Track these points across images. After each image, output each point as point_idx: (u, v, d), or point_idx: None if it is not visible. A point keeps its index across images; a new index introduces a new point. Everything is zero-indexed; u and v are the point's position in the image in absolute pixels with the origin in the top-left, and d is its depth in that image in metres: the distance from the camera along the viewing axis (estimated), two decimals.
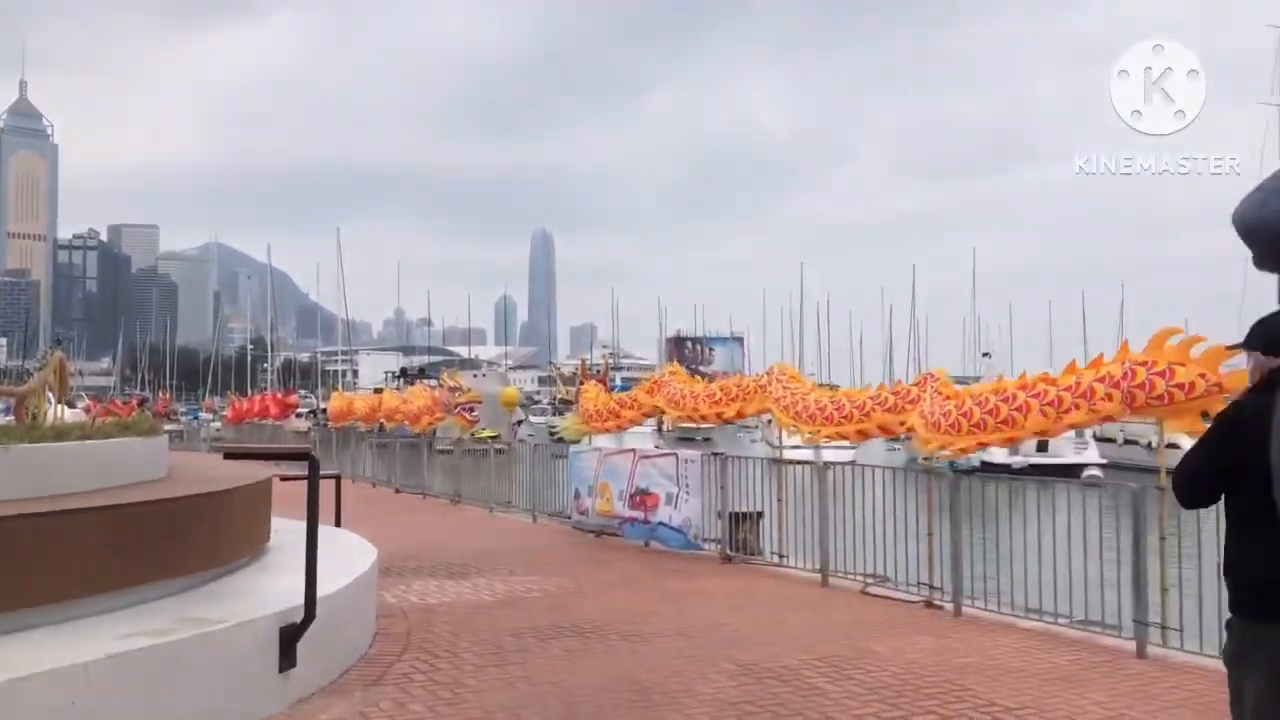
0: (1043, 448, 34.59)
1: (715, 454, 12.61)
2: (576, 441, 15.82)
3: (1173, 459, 4.04)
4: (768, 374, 12.07)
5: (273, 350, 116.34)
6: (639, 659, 7.43)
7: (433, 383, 26.22)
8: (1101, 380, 7.90)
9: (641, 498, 13.50)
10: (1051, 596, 8.60)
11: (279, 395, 37.24)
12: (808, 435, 11.34)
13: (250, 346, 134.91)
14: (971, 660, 7.41)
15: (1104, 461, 37.51)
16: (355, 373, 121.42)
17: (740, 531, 12.42)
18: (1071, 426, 8.37)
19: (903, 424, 9.83)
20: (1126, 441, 40.80)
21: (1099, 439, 38.55)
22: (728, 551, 12.22)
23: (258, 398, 39.40)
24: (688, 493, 12.73)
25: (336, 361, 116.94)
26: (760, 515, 12.51)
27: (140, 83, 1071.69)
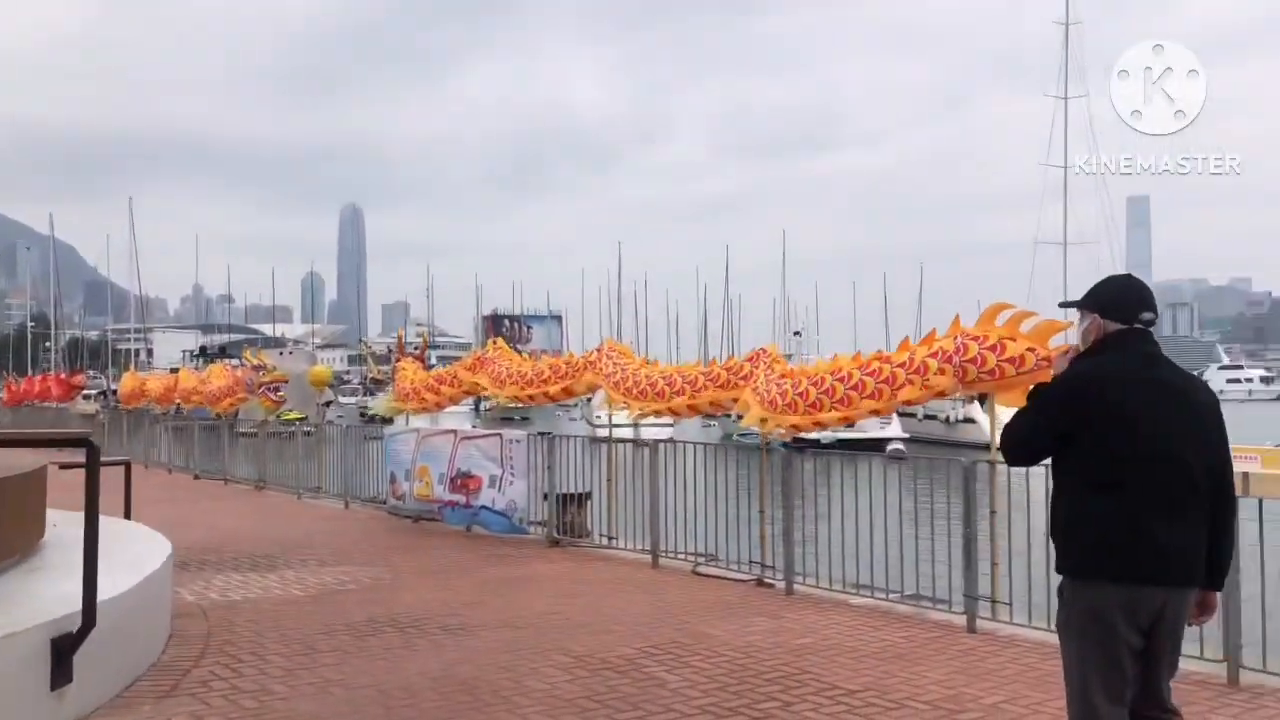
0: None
1: (542, 434, 12.15)
2: (389, 421, 15.05)
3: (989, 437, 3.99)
4: (598, 350, 11.67)
5: (57, 328, 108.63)
6: (465, 654, 6.94)
7: (235, 362, 24.58)
8: (934, 356, 7.89)
9: (463, 481, 12.93)
10: (883, 572, 8.58)
11: (63, 376, 34.32)
12: (637, 412, 11.05)
13: (31, 324, 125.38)
14: (807, 641, 7.26)
15: (906, 436, 39.07)
16: (150, 352, 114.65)
17: (567, 514, 12.04)
18: (906, 403, 8.34)
19: (735, 400, 9.64)
20: (927, 416, 42.67)
21: (901, 414, 40.14)
22: (555, 535, 11.82)
23: (38, 378, 36.30)
24: (512, 475, 12.25)
25: (129, 340, 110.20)
26: (588, 496, 12.16)
27: None
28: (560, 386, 11.74)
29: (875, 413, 8.44)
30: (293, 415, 22.31)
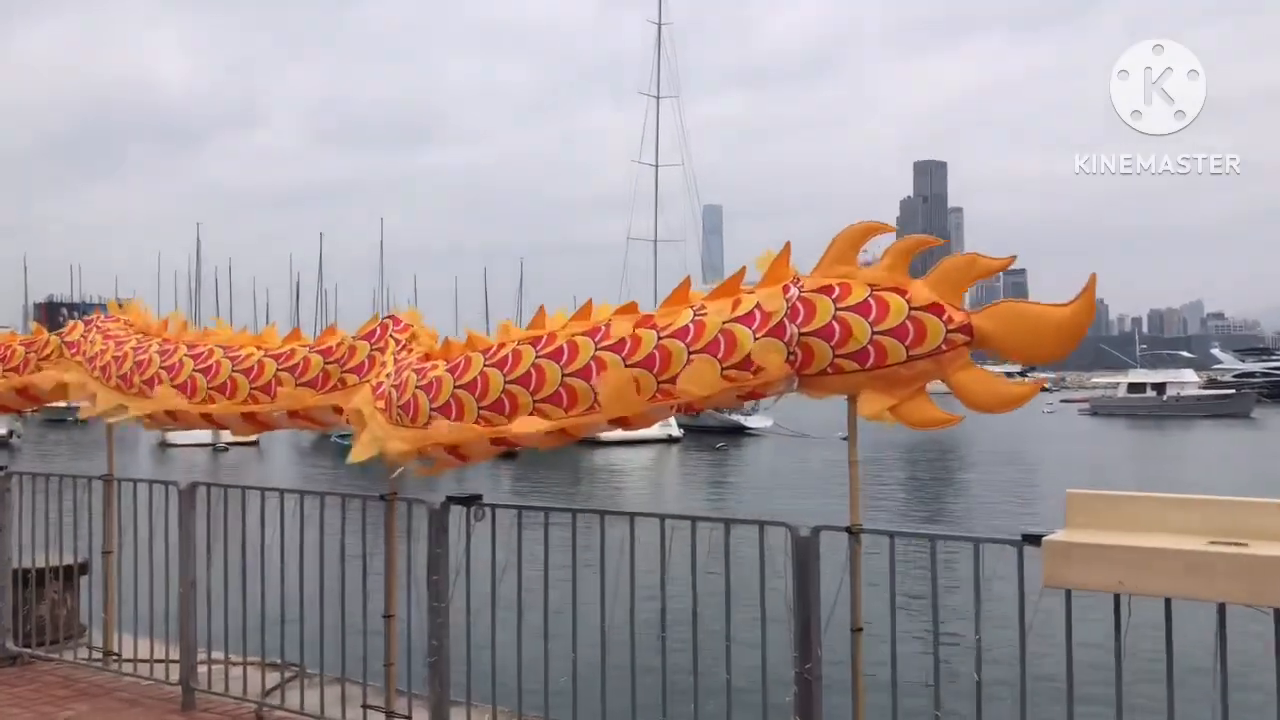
0: None
1: None
2: None
3: None
4: (86, 321, 6.56)
5: None
6: None
7: None
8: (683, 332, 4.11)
9: None
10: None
11: None
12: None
13: None
14: None
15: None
16: None
17: (38, 604, 7.03)
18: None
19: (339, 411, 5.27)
20: None
21: None
22: (9, 645, 6.80)
23: None
24: None
25: None
26: (84, 570, 7.20)
27: None
28: (14, 381, 6.47)
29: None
30: None
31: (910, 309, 3.82)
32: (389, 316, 5.37)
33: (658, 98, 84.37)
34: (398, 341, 5.21)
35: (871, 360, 3.83)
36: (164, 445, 45.70)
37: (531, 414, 4.23)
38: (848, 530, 4.00)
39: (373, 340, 5.29)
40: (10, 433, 50.11)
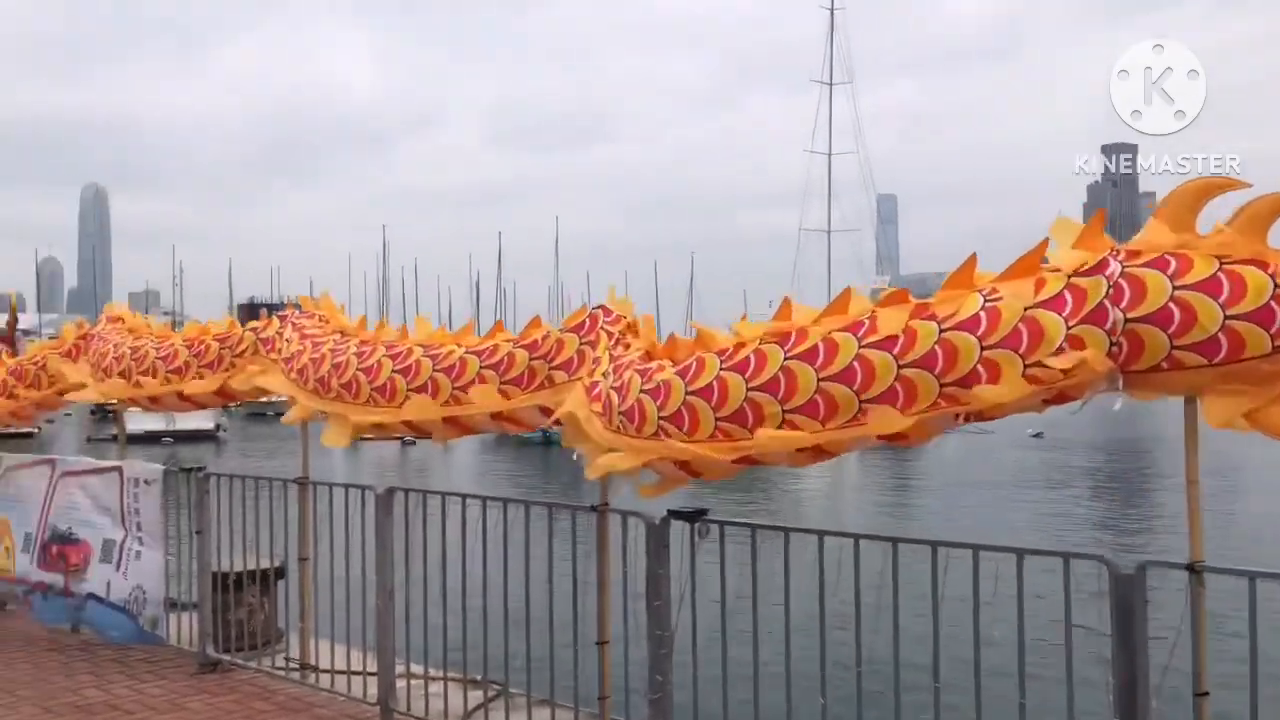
0: None
1: (191, 470, 6.82)
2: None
3: None
4: (279, 316, 6.24)
5: None
6: None
7: None
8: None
9: (60, 549, 7.46)
10: None
11: None
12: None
13: None
14: None
15: None
16: None
17: (237, 608, 6.84)
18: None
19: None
20: None
21: None
22: (210, 652, 6.62)
23: None
24: (139, 539, 6.92)
25: None
26: (280, 575, 6.98)
27: None
28: (207, 383, 6.28)
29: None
30: None
31: (1276, 286, 2.98)
32: (599, 307, 4.81)
33: (830, 84, 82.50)
34: (610, 335, 4.64)
35: (1223, 352, 3.01)
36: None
37: (781, 426, 3.56)
38: (1188, 568, 3.18)
39: (582, 333, 4.74)
40: (217, 426, 52.50)
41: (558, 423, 4.59)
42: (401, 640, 5.69)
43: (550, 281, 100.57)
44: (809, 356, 3.54)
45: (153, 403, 6.69)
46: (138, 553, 6.92)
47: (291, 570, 6.69)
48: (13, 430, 9.04)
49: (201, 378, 6.23)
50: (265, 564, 6.90)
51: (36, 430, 43.15)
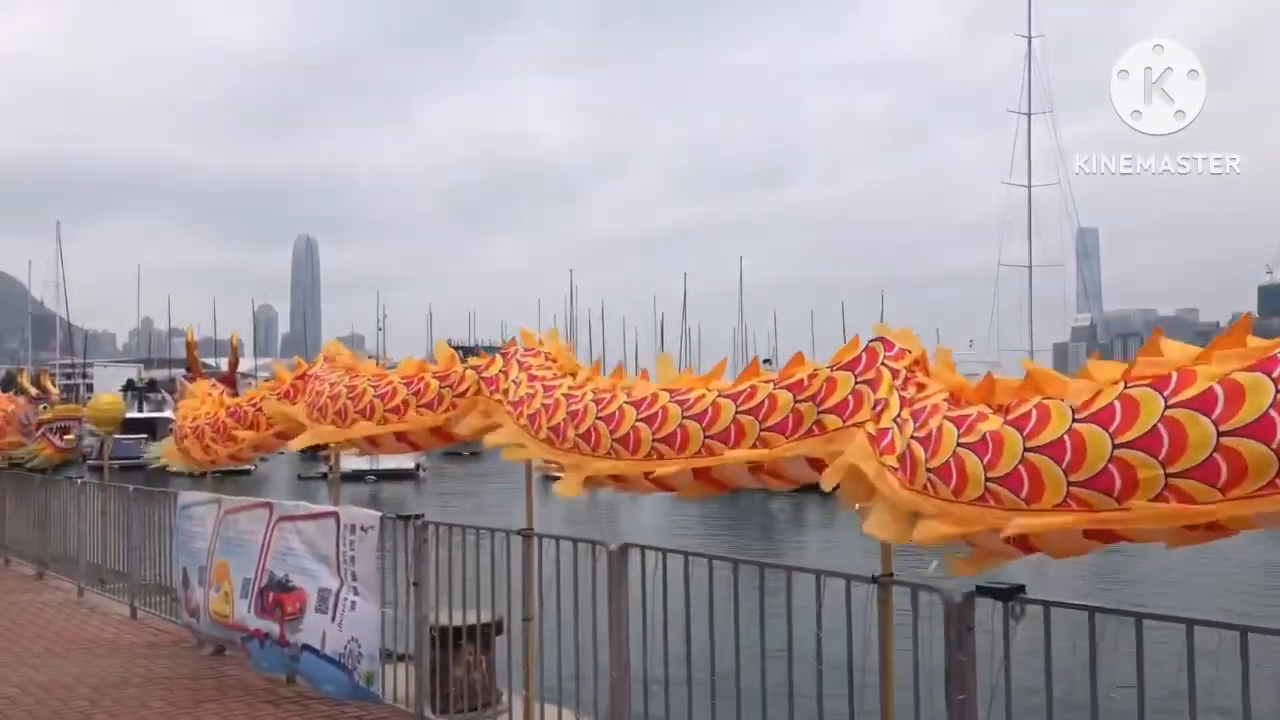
0: None
1: (407, 517, 6.44)
2: (192, 475, 9.23)
3: None
4: (501, 354, 5.77)
5: None
6: None
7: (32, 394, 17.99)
8: None
9: (276, 597, 7.24)
10: None
11: None
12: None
13: None
14: None
15: None
16: (89, 386, 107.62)
17: (456, 663, 6.40)
18: None
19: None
20: None
21: None
22: (428, 714, 6.18)
23: None
24: (355, 590, 6.59)
25: (74, 375, 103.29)
26: (498, 630, 6.51)
27: None
28: (429, 419, 5.78)
29: None
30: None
31: None
32: (877, 339, 4.09)
33: (1029, 114, 79.03)
34: (894, 373, 3.92)
35: None
36: (549, 478, 47.36)
37: (1162, 494, 2.74)
38: None
39: (857, 371, 4.04)
40: (417, 465, 53.68)
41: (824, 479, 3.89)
42: (639, 711, 5.08)
43: (735, 323, 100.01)
44: (1202, 404, 2.72)
45: (370, 444, 6.33)
46: (353, 603, 6.59)
47: (513, 628, 6.20)
48: (230, 467, 8.95)
49: (421, 416, 5.81)
50: (484, 618, 6.46)
51: (253, 468, 45.28)
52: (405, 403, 5.87)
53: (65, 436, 12.55)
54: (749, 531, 29.53)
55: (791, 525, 32.39)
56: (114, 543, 11.07)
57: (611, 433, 4.61)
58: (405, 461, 51.60)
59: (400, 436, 6.01)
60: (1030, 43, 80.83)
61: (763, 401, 4.25)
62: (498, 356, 5.72)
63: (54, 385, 14.41)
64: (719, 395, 4.37)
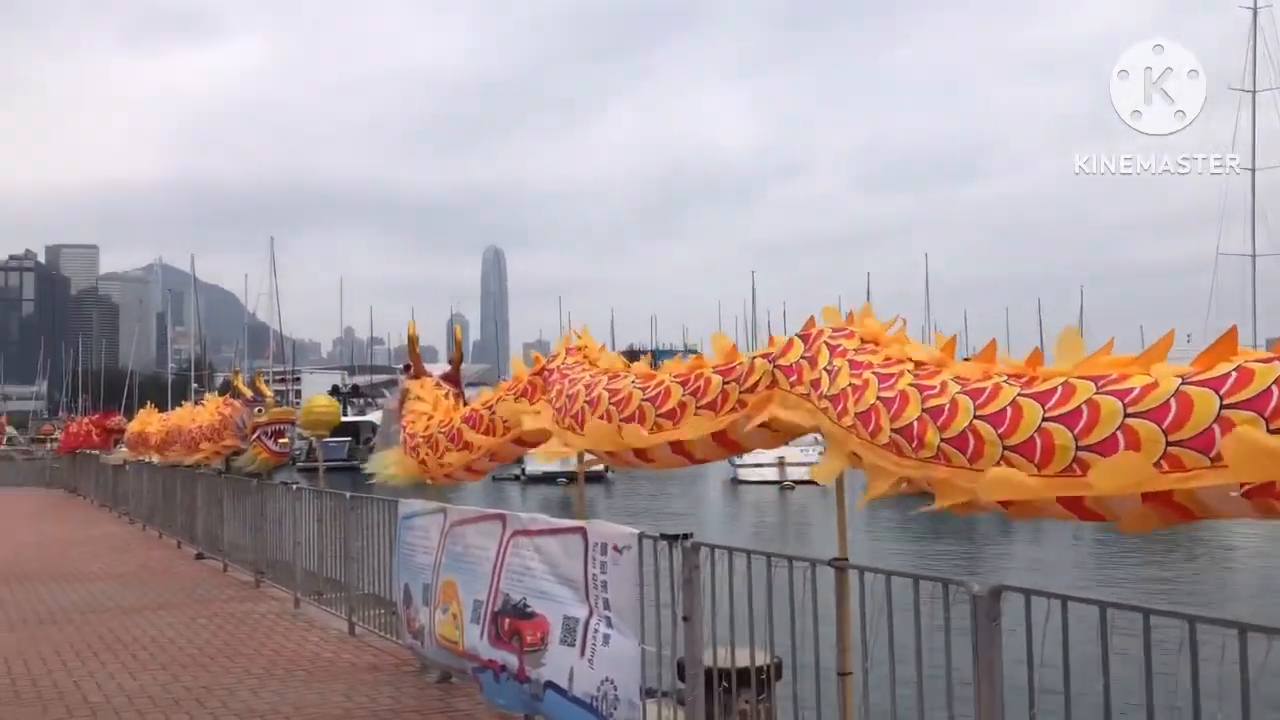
0: None
1: (675, 537, 5.36)
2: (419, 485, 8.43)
3: None
4: (802, 337, 4.51)
5: (204, 370, 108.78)
6: None
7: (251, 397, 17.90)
8: None
9: (513, 624, 6.31)
10: None
11: (100, 418, 28.74)
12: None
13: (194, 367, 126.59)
14: None
15: None
16: (299, 393, 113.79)
17: (727, 715, 5.27)
18: None
19: None
20: None
21: None
22: None
23: (84, 421, 31.21)
24: (608, 621, 5.55)
25: (285, 381, 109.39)
26: (778, 671, 5.34)
27: (89, 103, 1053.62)
28: (710, 423, 4.58)
29: None
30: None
31: None
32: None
33: (1253, 92, 72.49)
34: None
35: None
36: (735, 481, 46.00)
37: None
38: None
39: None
40: (606, 468, 52.58)
41: None
42: None
43: (923, 321, 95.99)
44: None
45: (639, 457, 5.20)
46: (605, 636, 5.56)
47: (800, 673, 5.01)
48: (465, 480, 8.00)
49: (700, 420, 4.65)
50: (760, 659, 5.32)
51: None
52: (682, 404, 4.74)
53: (280, 440, 12.22)
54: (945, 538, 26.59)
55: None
56: (330, 551, 10.54)
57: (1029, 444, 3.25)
58: (595, 463, 50.28)
59: (676, 447, 4.85)
60: (1255, 14, 74.16)
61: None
62: (795, 340, 4.54)
63: (268, 389, 14.25)
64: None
